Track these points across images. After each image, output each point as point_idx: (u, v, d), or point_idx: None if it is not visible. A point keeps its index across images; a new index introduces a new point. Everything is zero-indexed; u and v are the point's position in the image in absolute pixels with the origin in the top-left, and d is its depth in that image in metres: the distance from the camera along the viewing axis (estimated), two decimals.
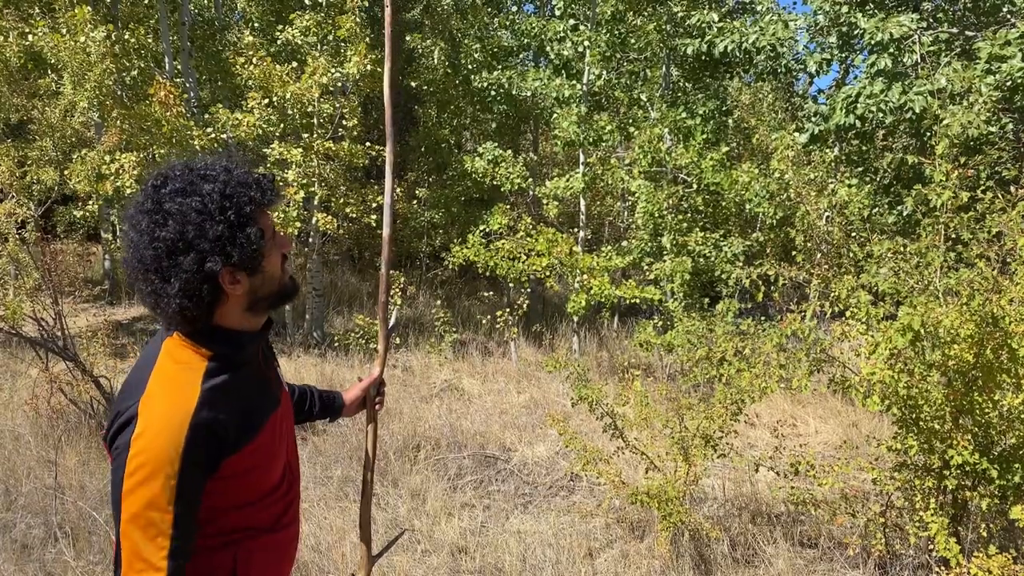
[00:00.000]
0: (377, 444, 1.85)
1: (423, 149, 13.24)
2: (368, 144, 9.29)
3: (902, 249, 3.80)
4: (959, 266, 3.72)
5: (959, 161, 4.14)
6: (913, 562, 3.69)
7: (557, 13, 9.33)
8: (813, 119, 7.10)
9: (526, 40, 9.83)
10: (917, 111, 6.01)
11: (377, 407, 1.87)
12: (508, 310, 8.40)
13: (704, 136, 8.16)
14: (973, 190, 3.74)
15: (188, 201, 1.26)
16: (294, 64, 8.84)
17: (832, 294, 3.80)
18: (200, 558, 1.33)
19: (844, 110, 6.48)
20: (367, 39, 9.01)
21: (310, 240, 9.52)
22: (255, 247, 1.29)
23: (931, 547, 3.46)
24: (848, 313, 3.70)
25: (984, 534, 3.37)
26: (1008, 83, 5.70)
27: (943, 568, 3.27)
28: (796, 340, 4.08)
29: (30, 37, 9.01)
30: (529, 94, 9.52)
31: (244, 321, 1.40)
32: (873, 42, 6.41)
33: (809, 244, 4.94)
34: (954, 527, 3.48)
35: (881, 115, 6.23)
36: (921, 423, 3.39)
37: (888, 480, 3.62)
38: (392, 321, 1.90)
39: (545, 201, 9.39)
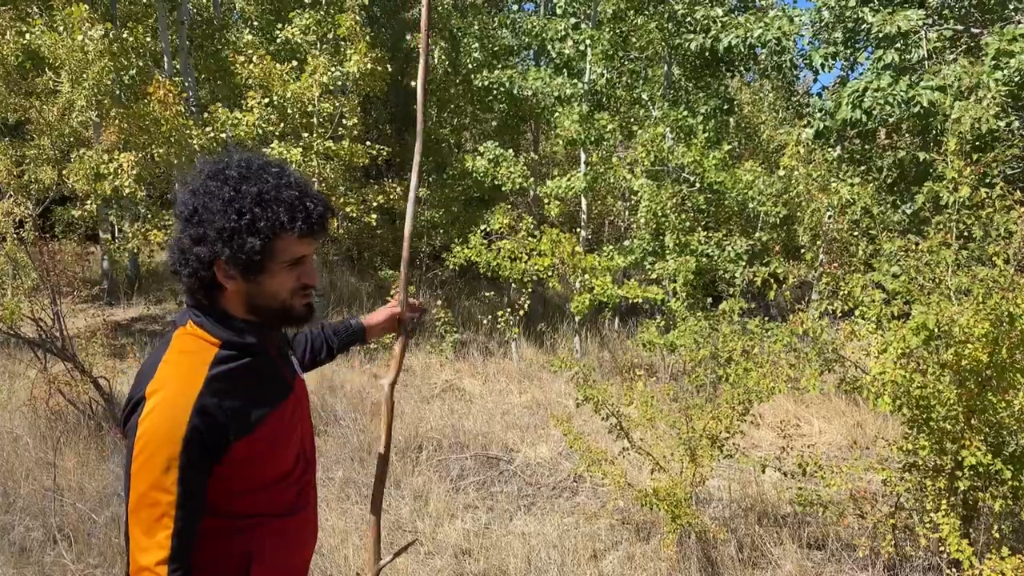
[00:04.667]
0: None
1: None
2: (368, 143, 9.23)
3: (914, 247, 3.75)
4: (971, 264, 3.67)
5: (970, 158, 4.10)
6: (923, 564, 3.65)
7: (558, 12, 9.28)
8: (818, 115, 7.04)
9: (527, 39, 9.78)
10: (925, 105, 5.95)
11: (411, 325, 1.91)
12: (509, 310, 8.35)
13: (706, 135, 8.12)
14: (988, 187, 3.69)
15: (222, 190, 1.34)
16: (294, 63, 8.79)
17: (843, 292, 3.75)
18: (214, 542, 1.37)
19: (851, 104, 6.42)
20: (367, 38, 8.96)
21: None
22: (246, 257, 1.33)
23: (941, 549, 3.42)
24: (857, 312, 3.65)
25: (996, 535, 3.32)
26: (1017, 78, 5.64)
27: (954, 570, 3.22)
28: (803, 340, 4.03)
29: (27, 35, 8.96)
30: (530, 93, 9.46)
31: (250, 317, 1.45)
32: (880, 35, 6.35)
33: (818, 242, 4.90)
34: (965, 528, 3.44)
35: (889, 108, 6.17)
36: (932, 424, 3.35)
37: (898, 481, 3.57)
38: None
39: (546, 201, 9.33)
